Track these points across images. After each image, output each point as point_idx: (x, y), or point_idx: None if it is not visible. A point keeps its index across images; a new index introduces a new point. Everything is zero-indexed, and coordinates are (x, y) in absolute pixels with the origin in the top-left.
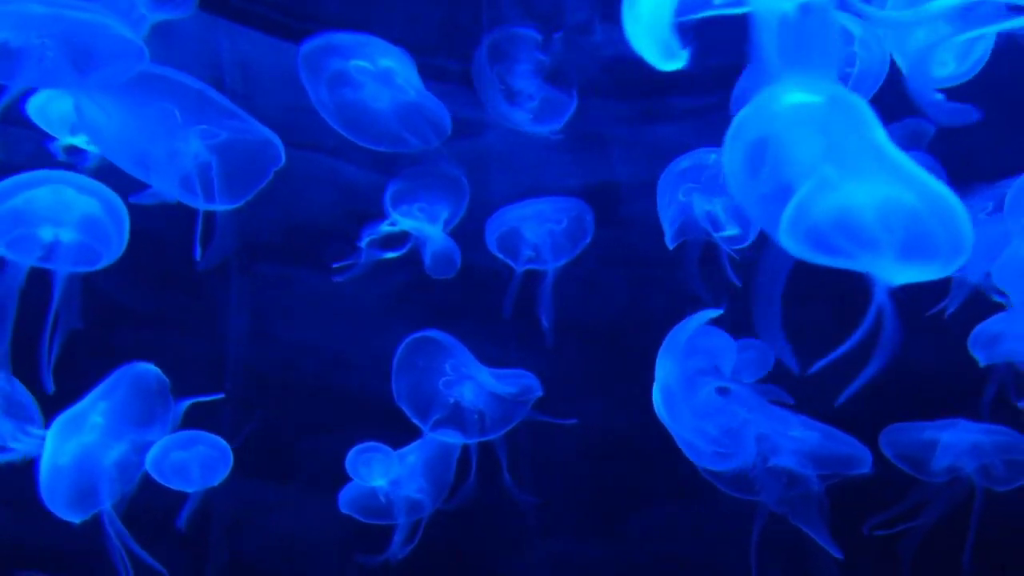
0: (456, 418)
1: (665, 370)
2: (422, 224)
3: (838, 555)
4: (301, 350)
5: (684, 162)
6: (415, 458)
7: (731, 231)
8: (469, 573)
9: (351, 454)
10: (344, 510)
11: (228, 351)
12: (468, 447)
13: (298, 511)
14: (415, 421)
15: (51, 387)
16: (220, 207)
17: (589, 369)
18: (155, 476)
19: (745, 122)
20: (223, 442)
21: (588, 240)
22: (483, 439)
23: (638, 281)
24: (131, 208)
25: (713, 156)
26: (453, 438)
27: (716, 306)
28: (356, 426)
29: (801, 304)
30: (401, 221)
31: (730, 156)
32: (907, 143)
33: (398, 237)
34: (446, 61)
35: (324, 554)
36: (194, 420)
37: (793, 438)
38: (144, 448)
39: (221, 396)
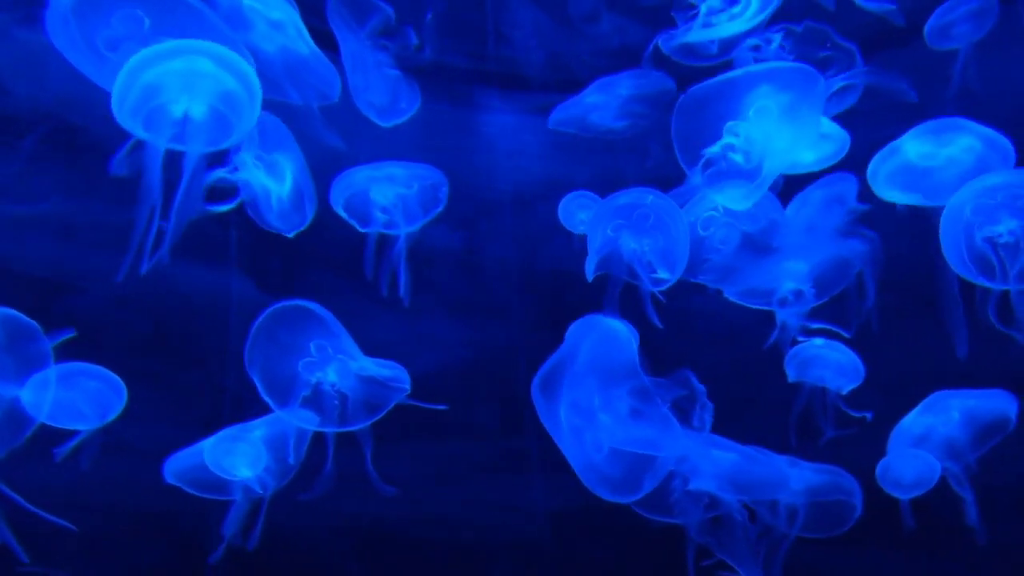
0: (315, 401)
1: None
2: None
3: None
4: None
5: (622, 198)
6: (260, 434)
7: (662, 274)
8: None
9: (213, 443)
10: (170, 481)
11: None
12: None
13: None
14: (265, 398)
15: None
16: None
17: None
18: (45, 420)
19: None
20: (109, 373)
21: (440, 209)
22: (344, 427)
23: None
24: None
25: (651, 197)
26: (308, 422)
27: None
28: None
29: None
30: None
31: None
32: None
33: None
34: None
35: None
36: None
37: (712, 460)
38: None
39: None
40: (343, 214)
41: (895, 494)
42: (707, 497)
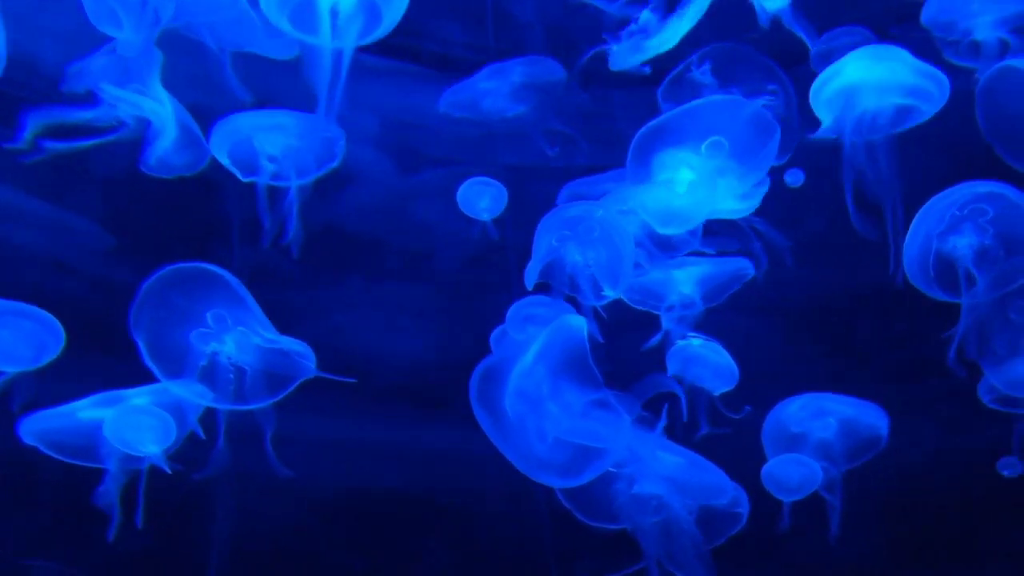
0: (207, 374)
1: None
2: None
3: None
4: None
5: (572, 210)
6: (143, 403)
7: (606, 290)
8: None
9: (116, 415)
10: (28, 441)
11: None
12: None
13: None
14: (149, 365)
15: None
16: None
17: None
18: None
19: None
20: (45, 313)
21: (335, 164)
22: (241, 405)
23: None
24: None
25: (600, 212)
26: (198, 396)
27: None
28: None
29: None
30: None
31: None
32: None
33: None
34: None
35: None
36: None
37: (657, 461)
38: None
39: None
40: (226, 162)
41: (779, 497)
42: (653, 501)
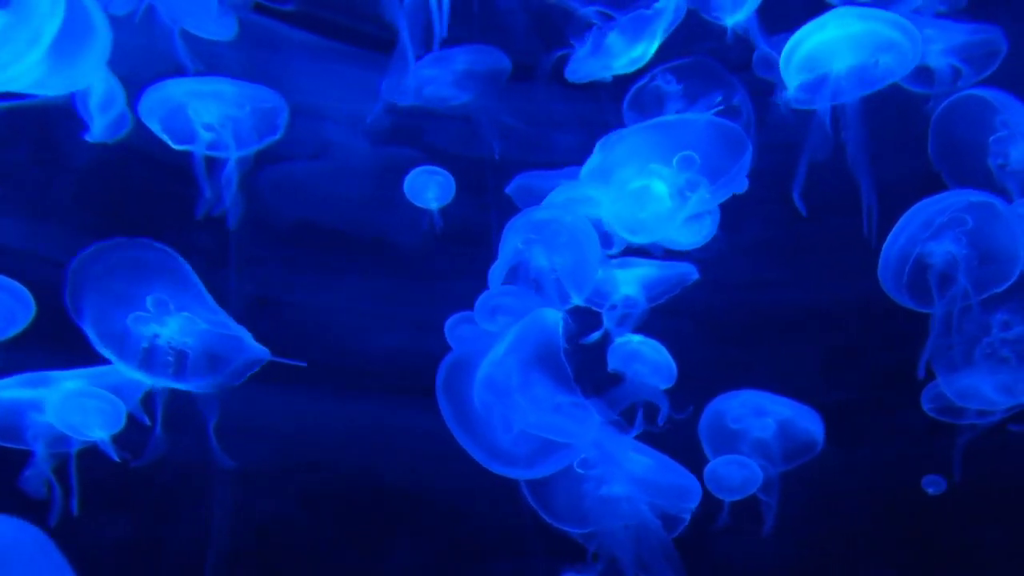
0: (147, 355)
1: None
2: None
3: None
4: None
5: (541, 213)
6: (74, 385)
7: (574, 298)
8: None
9: (62, 398)
10: None
11: None
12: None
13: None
14: (95, 345)
15: None
16: None
17: None
18: None
19: None
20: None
21: (276, 137)
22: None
23: None
24: None
25: (569, 217)
26: (136, 380)
27: None
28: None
29: None
30: None
31: None
32: None
33: None
34: None
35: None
36: None
37: (626, 461)
38: None
39: None
40: (156, 128)
41: (721, 496)
42: (622, 503)
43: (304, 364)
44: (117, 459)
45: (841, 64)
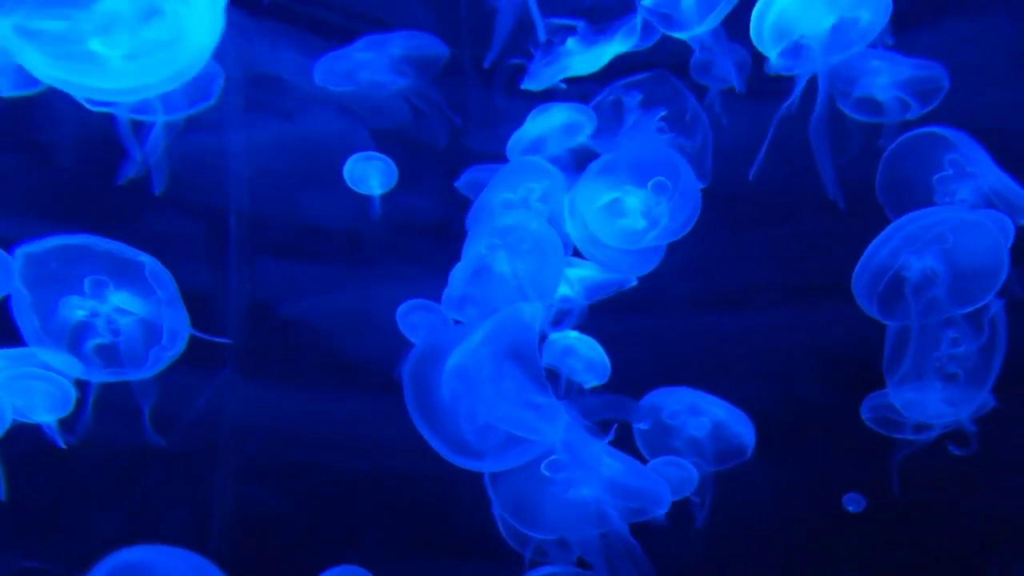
0: (78, 342)
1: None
2: None
3: None
4: None
5: (507, 219)
6: (6, 376)
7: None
8: None
9: (7, 381)
10: None
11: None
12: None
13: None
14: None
15: None
16: None
17: None
18: None
19: None
20: None
21: (210, 103)
22: (114, 377)
23: None
24: None
25: (534, 224)
26: (67, 365)
27: None
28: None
29: None
30: None
31: None
32: None
33: None
34: None
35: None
36: None
37: (596, 464)
38: None
39: None
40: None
41: None
42: (591, 506)
43: (228, 340)
44: (63, 444)
45: (814, 25)
